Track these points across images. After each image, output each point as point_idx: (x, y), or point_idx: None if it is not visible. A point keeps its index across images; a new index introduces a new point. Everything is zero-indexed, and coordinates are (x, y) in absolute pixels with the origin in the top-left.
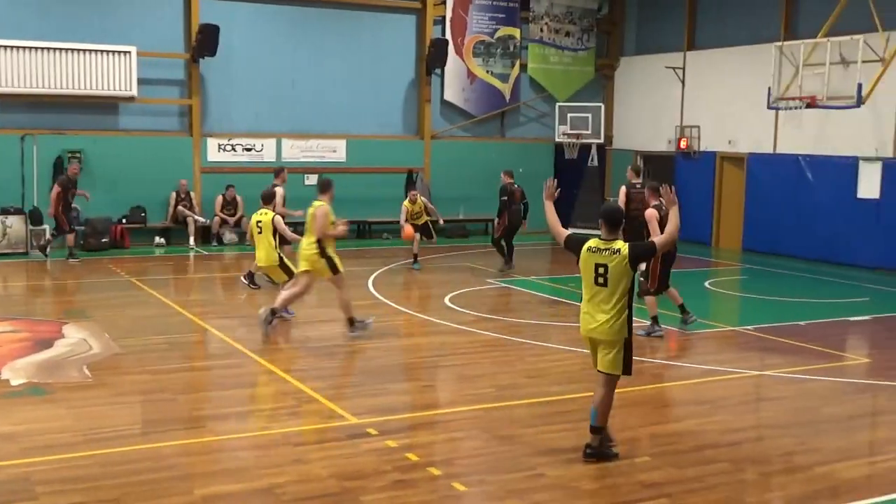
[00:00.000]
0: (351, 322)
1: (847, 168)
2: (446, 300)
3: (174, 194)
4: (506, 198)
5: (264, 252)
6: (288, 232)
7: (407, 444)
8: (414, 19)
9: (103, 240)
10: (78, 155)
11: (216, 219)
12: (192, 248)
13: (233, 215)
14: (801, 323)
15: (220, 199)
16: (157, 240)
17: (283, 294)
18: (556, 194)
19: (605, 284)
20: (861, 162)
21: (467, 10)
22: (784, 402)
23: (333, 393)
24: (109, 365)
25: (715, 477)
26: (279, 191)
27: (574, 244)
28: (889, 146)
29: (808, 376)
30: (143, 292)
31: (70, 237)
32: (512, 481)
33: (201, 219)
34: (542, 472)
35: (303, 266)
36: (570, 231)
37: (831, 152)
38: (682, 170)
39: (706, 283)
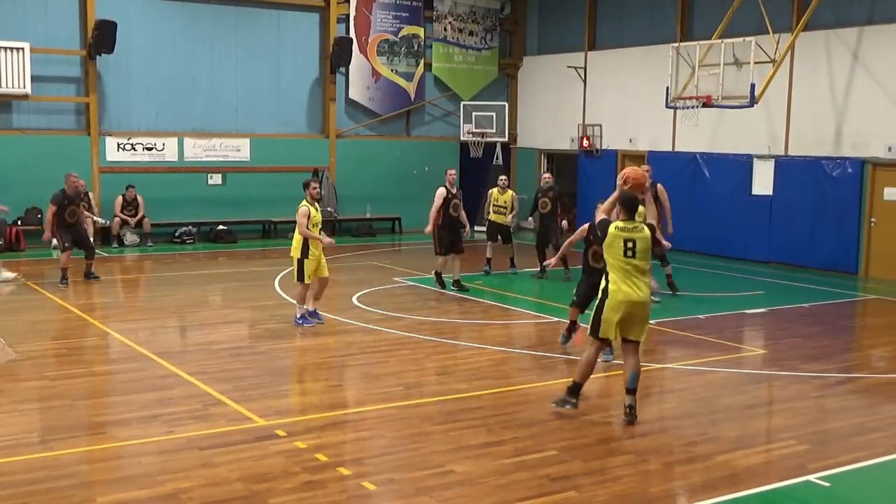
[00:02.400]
0: None
1: (742, 165)
2: (354, 299)
3: None
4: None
5: (293, 244)
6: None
7: (316, 444)
8: (317, 17)
9: None
10: None
11: (116, 220)
12: None
13: (134, 216)
14: (701, 316)
15: (119, 199)
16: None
17: None
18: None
19: (633, 256)
20: (755, 159)
21: (371, 8)
22: (685, 393)
23: (240, 395)
24: (5, 371)
25: (620, 468)
26: (441, 192)
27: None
28: (781, 144)
29: (707, 368)
30: (41, 296)
31: (63, 256)
32: (421, 479)
33: (101, 220)
34: (451, 468)
35: None
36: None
37: (727, 150)
38: (585, 167)
39: None
